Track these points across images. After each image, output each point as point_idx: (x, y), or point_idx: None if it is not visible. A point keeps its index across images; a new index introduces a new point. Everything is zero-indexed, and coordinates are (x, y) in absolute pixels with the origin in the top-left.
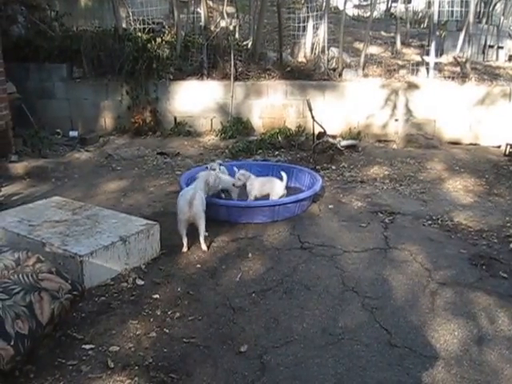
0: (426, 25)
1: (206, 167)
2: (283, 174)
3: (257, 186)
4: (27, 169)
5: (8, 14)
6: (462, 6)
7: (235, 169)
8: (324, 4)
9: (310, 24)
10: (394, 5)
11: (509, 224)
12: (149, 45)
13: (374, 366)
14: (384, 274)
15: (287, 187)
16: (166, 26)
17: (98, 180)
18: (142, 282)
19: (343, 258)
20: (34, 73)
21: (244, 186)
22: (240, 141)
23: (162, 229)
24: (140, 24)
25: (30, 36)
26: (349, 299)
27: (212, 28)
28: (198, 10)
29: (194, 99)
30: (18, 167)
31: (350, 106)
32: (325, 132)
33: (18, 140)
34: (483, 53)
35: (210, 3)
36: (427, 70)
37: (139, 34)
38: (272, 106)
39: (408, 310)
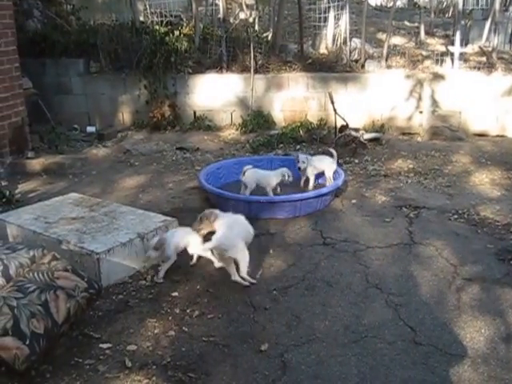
0: (450, 14)
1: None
2: (333, 151)
3: (314, 164)
4: (44, 165)
5: (24, 8)
6: None
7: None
8: None
9: (332, 15)
10: None
11: None
12: (167, 38)
13: (398, 365)
14: (409, 270)
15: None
16: (184, 19)
17: (116, 176)
18: (161, 280)
19: (367, 253)
20: (50, 68)
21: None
22: (261, 135)
23: (181, 225)
24: (157, 17)
25: (46, 30)
26: (372, 296)
27: (231, 20)
28: (217, 1)
29: (214, 93)
30: (35, 164)
31: (373, 98)
32: (347, 125)
33: (34, 136)
34: (510, 42)
35: None
36: (452, 60)
37: (157, 27)
38: (293, 98)
39: (433, 307)
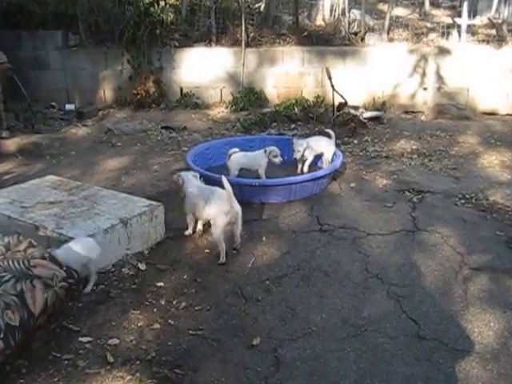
0: None
1: None
2: (330, 131)
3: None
4: (19, 146)
5: None
6: None
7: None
8: None
9: None
10: None
11: None
12: (151, 9)
13: (401, 361)
14: (412, 259)
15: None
16: None
17: (97, 157)
18: (145, 268)
19: (366, 241)
20: (26, 41)
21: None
22: (252, 113)
23: (166, 210)
24: None
25: (22, 1)
26: (373, 287)
27: None
28: None
29: (202, 68)
30: (10, 144)
31: (374, 74)
32: (346, 103)
33: (9, 114)
34: None
35: None
36: (459, 33)
37: None
38: (287, 74)
39: (438, 299)
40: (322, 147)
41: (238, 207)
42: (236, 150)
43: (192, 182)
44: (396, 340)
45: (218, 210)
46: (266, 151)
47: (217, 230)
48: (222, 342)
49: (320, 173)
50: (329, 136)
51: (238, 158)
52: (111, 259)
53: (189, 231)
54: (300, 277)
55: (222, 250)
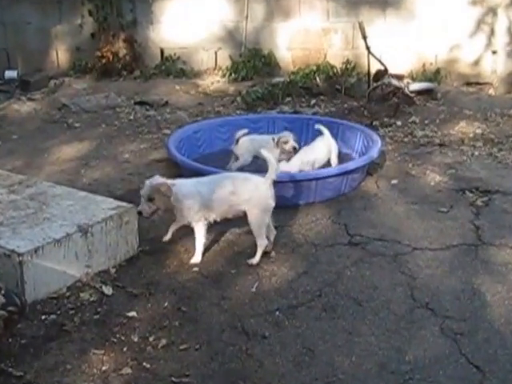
0: None
1: None
2: (322, 128)
3: (318, 151)
4: None
5: None
6: None
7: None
8: None
9: None
10: None
11: None
12: None
13: None
14: (474, 284)
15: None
16: None
17: (47, 142)
18: (112, 293)
19: (412, 258)
20: None
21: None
22: (258, 84)
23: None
24: None
25: None
26: (421, 320)
27: None
28: None
29: (191, 22)
30: None
31: (424, 32)
32: (386, 71)
33: None
34: None
35: None
36: None
37: None
38: (306, 31)
39: (510, 338)
40: (319, 154)
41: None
42: (245, 131)
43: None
44: None
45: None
46: (274, 140)
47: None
48: None
49: (350, 165)
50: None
51: (249, 143)
52: (66, 280)
53: (168, 236)
54: (322, 306)
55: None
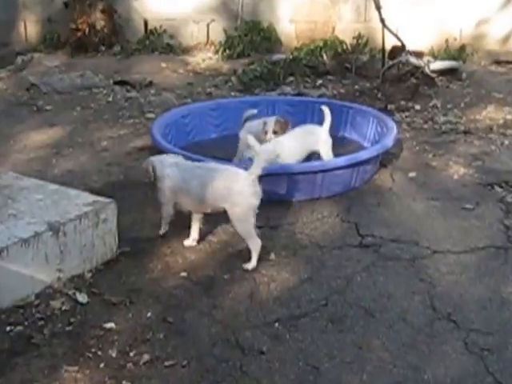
0: None
1: None
2: (326, 112)
3: (287, 143)
4: None
5: None
6: None
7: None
8: None
9: None
10: None
11: None
12: None
13: None
14: (503, 292)
15: (336, 139)
16: None
17: (14, 128)
18: (87, 301)
19: (432, 262)
20: None
21: None
22: (257, 61)
23: (121, 210)
24: None
25: None
26: (442, 334)
27: None
28: None
29: None
30: None
31: (448, 3)
32: (403, 47)
33: None
34: None
35: None
36: None
37: None
38: (312, 1)
39: None
40: (307, 145)
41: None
42: (253, 111)
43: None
44: None
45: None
46: (265, 124)
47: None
48: None
49: (361, 155)
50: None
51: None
52: (34, 286)
53: (164, 229)
54: (328, 317)
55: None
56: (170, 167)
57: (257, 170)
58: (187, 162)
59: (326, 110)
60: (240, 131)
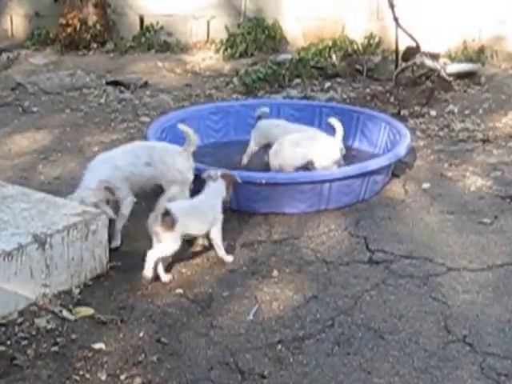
0: None
1: None
2: (335, 123)
3: (287, 148)
4: None
5: None
6: None
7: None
8: None
9: None
10: None
11: None
12: None
13: None
14: None
15: (345, 147)
16: None
17: None
18: (75, 319)
19: (447, 280)
20: None
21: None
22: (261, 62)
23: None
24: None
25: None
26: (457, 358)
27: None
28: None
29: None
30: None
31: (466, 1)
32: (418, 48)
33: None
34: None
35: None
36: None
37: None
38: None
39: None
40: (306, 152)
41: None
42: (265, 109)
43: None
44: None
45: None
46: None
47: None
48: None
49: (372, 164)
50: (332, 133)
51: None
52: (17, 303)
53: None
54: (334, 339)
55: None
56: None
57: (190, 147)
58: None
59: (336, 122)
60: (252, 133)
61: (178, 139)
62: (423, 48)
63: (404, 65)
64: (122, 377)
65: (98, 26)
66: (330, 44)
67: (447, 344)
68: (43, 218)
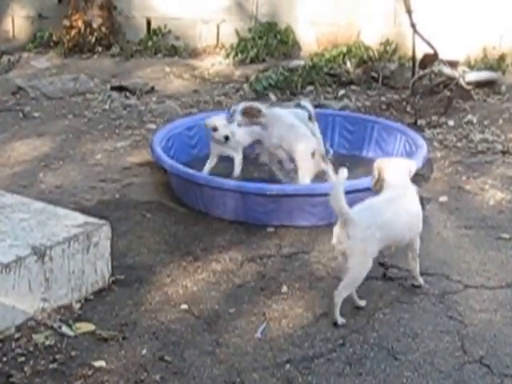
0: None
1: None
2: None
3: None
4: None
5: None
6: None
7: None
8: None
9: None
10: None
11: None
12: None
13: None
14: None
15: (359, 158)
16: None
17: None
18: (74, 335)
19: (464, 298)
20: None
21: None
22: (272, 67)
23: (116, 234)
24: None
25: None
26: (473, 379)
27: None
28: None
29: None
30: None
31: (487, 7)
32: (436, 55)
33: None
34: None
35: None
36: None
37: None
38: (336, 1)
39: None
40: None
41: None
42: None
43: None
44: None
45: None
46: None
47: None
48: None
49: None
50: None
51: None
52: (14, 318)
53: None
54: (345, 358)
55: None
56: None
57: None
58: None
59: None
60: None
61: (185, 148)
62: (441, 55)
63: (421, 72)
64: None
65: (103, 29)
66: (345, 50)
67: (463, 365)
68: (43, 229)
